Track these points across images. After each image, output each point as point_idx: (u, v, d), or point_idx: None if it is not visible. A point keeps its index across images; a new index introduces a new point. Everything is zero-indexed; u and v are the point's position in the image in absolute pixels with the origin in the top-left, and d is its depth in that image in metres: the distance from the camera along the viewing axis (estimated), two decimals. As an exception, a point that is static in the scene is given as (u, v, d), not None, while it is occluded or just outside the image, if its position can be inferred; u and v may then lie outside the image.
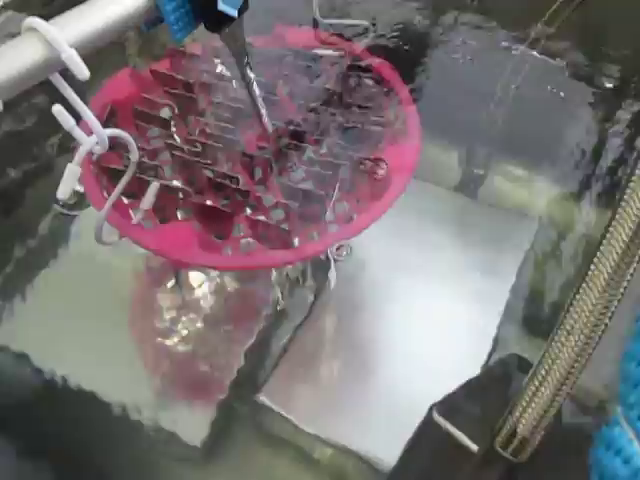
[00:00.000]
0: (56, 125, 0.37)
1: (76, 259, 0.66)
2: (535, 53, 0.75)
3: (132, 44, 0.73)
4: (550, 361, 0.31)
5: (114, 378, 0.57)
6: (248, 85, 0.45)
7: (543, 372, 0.31)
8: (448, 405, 0.41)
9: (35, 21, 0.33)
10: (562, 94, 0.75)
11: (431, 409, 0.40)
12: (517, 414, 0.32)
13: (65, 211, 0.65)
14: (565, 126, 0.75)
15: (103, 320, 0.61)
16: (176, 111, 0.55)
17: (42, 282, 0.64)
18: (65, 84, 0.35)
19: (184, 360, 0.60)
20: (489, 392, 0.43)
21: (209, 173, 0.49)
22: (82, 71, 0.33)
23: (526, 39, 0.74)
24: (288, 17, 0.66)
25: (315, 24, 0.60)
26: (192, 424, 0.54)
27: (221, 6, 0.37)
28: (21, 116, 0.72)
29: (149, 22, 0.38)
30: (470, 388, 0.44)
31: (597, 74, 0.77)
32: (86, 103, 0.37)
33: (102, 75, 0.57)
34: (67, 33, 0.33)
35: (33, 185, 0.69)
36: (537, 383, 0.32)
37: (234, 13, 0.38)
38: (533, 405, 0.32)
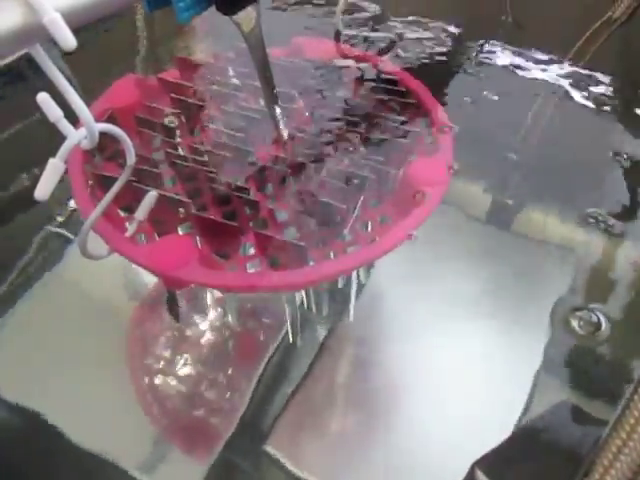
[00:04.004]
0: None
1: (64, 288, 0.60)
2: (571, 78, 0.71)
3: (141, 54, 0.70)
4: (642, 407, 0.24)
5: (102, 424, 0.51)
6: (265, 81, 0.40)
7: (632, 421, 0.24)
8: (493, 463, 0.33)
9: (16, -18, 0.28)
10: (599, 121, 0.70)
11: (473, 468, 0.33)
12: (596, 477, 0.25)
13: (57, 229, 0.60)
14: (602, 156, 0.69)
15: (92, 359, 0.55)
16: (183, 119, 0.50)
17: (24, 314, 0.58)
18: (47, 59, 0.30)
19: (179, 406, 0.53)
20: (541, 447, 0.36)
21: (215, 185, 0.44)
22: (67, 38, 0.28)
23: (562, 61, 0.70)
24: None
25: (337, 36, 0.56)
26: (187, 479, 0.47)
27: (235, -20, 0.32)
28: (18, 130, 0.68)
29: (153, 0, 0.34)
30: (517, 442, 0.37)
31: (637, 102, 0.72)
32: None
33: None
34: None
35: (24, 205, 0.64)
36: (624, 436, 0.24)
37: (250, -9, 0.33)
38: (618, 465, 0.24)
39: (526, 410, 0.49)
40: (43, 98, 0.32)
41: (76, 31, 0.29)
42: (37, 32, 0.28)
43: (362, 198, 0.42)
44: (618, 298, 0.59)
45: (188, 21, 0.34)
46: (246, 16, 0.36)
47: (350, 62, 0.54)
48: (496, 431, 0.41)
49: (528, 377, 0.53)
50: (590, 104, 0.72)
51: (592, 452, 0.27)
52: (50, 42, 0.29)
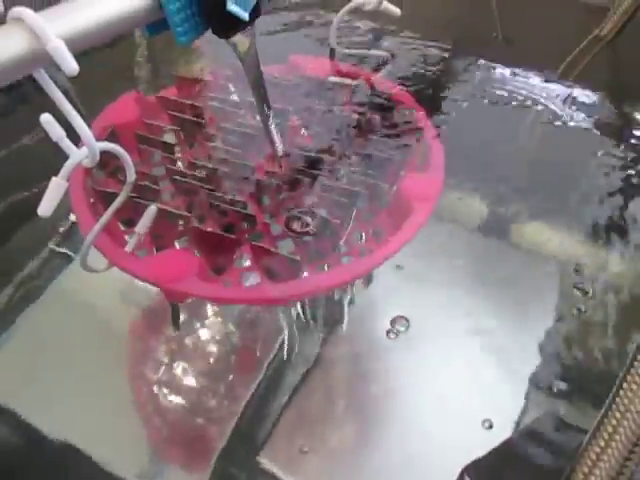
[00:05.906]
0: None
1: (64, 302, 0.61)
2: (559, 94, 0.72)
3: (141, 72, 0.71)
4: (619, 414, 0.25)
5: (100, 435, 0.51)
6: (260, 99, 0.41)
7: (610, 429, 0.25)
8: (481, 470, 0.34)
9: (22, 11, 0.29)
10: (587, 136, 0.71)
11: (462, 474, 0.34)
12: (577, 483, 0.26)
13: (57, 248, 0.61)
14: (589, 169, 0.70)
15: (92, 371, 0.55)
16: (182, 136, 0.51)
17: (25, 325, 0.59)
18: (51, 82, 0.31)
19: (175, 417, 0.54)
20: (527, 455, 0.37)
21: (213, 199, 0.45)
22: (70, 64, 0.29)
23: (551, 78, 0.71)
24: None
25: (332, 54, 0.57)
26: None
27: (230, 6, 0.33)
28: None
29: (152, 26, 0.35)
30: (505, 451, 0.38)
31: (626, 117, 0.73)
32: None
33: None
34: (57, 26, 0.30)
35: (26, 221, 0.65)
36: (602, 444, 0.25)
37: (245, 15, 0.34)
38: (597, 472, 0.25)
39: (517, 423, 0.50)
40: (46, 119, 0.34)
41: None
42: (41, 58, 0.29)
43: (354, 213, 0.43)
44: (609, 306, 0.60)
45: (186, 44, 0.35)
46: (241, 38, 0.37)
47: (344, 79, 0.56)
48: (484, 445, 0.42)
49: (520, 391, 0.53)
50: (578, 120, 0.73)
51: (573, 459, 0.28)
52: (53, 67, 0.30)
